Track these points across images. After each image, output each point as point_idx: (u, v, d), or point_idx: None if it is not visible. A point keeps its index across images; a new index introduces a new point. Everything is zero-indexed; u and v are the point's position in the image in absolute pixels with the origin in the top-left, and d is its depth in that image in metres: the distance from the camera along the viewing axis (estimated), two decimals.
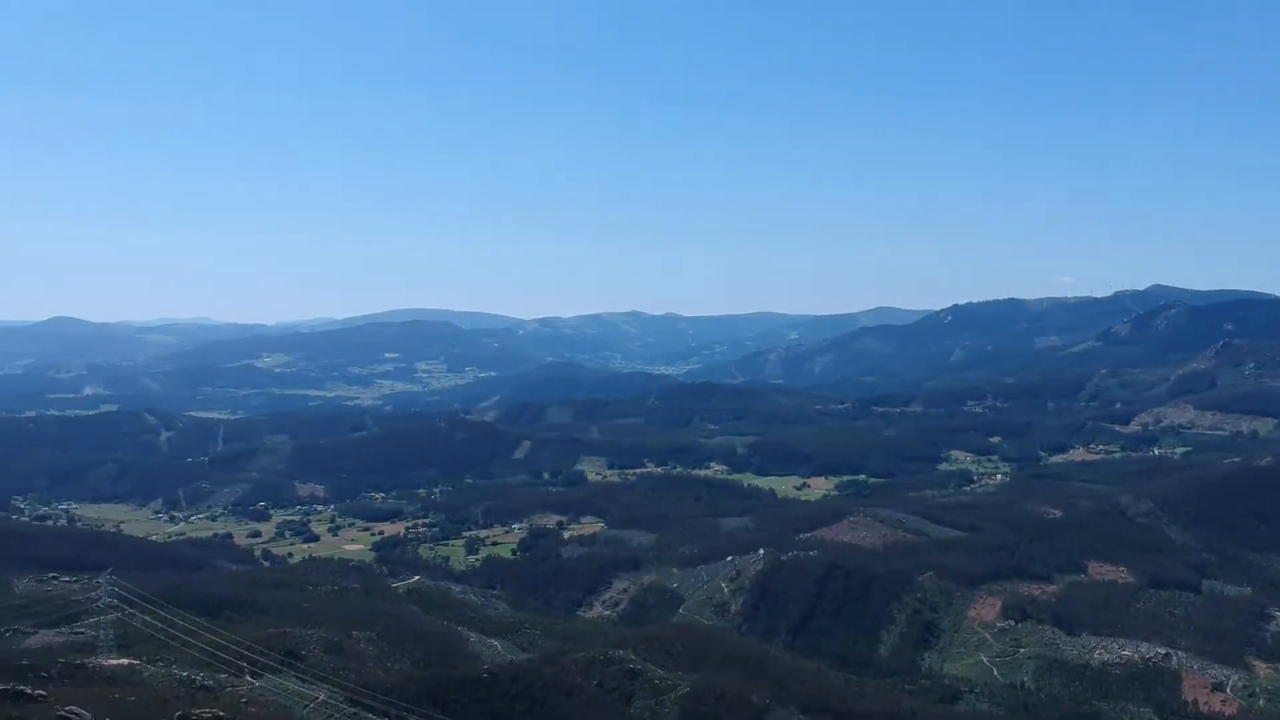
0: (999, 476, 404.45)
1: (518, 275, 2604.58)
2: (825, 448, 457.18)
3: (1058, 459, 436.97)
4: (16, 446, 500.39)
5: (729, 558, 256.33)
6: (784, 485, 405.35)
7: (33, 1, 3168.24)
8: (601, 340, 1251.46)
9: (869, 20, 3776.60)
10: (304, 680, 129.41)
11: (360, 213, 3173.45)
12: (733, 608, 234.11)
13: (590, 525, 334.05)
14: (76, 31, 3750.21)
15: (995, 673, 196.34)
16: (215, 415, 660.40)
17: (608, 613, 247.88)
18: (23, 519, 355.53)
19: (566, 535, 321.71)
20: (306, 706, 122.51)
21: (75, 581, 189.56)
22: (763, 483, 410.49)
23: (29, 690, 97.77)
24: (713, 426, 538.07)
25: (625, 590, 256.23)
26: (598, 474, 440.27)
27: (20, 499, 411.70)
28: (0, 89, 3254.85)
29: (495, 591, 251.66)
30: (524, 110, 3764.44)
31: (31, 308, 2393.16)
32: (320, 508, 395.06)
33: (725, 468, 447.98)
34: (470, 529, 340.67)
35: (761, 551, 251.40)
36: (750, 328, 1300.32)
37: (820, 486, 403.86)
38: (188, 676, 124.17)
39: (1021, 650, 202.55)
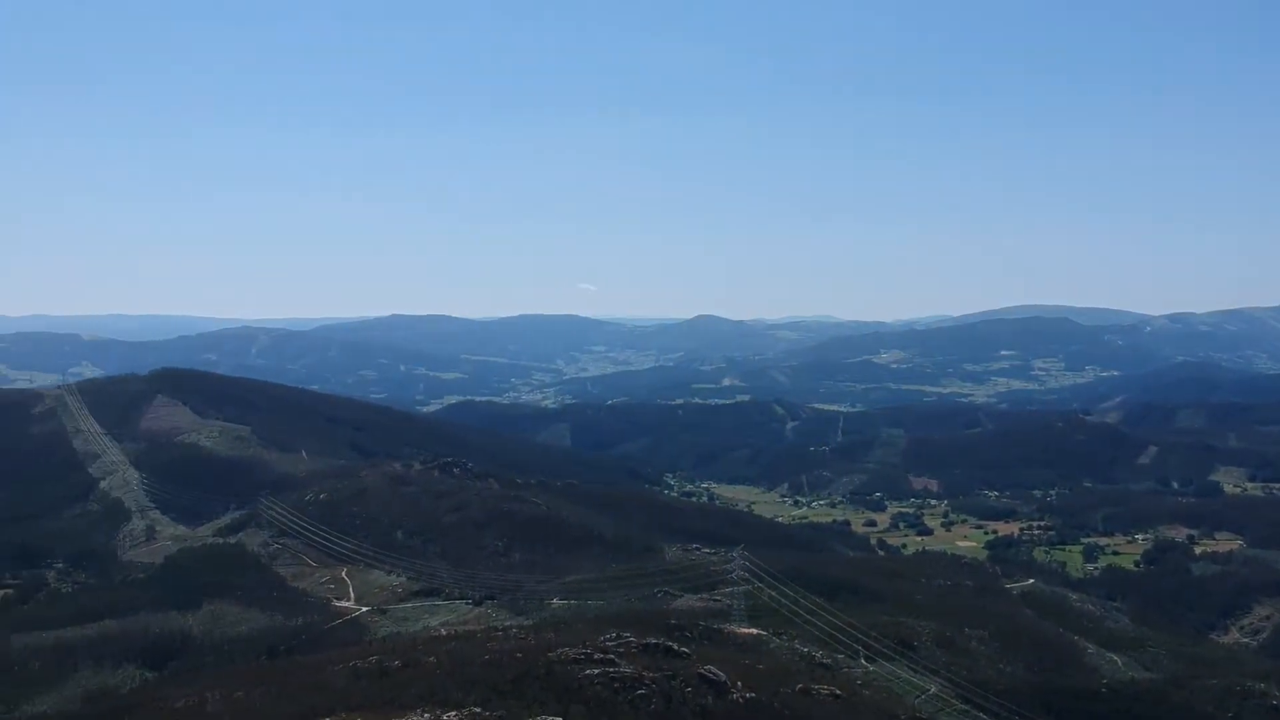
0: None
1: (1144, 268, 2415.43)
2: None
3: None
4: (669, 430, 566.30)
5: None
6: None
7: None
8: (1243, 338, 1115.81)
9: None
10: (916, 670, 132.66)
11: (969, 208, 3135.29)
12: None
13: (1226, 541, 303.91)
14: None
15: None
16: (835, 408, 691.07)
17: (1246, 640, 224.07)
18: (672, 494, 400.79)
19: (1197, 550, 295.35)
20: (918, 697, 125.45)
21: (713, 554, 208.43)
22: None
23: (676, 647, 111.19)
24: None
25: (1268, 617, 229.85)
26: (1236, 486, 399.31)
27: (671, 476, 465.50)
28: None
29: (1115, 603, 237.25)
30: (1109, 95, 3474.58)
31: (682, 307, 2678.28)
32: (934, 502, 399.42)
33: None
34: (1088, 535, 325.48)
35: None
36: None
37: None
38: (808, 653, 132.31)
39: None
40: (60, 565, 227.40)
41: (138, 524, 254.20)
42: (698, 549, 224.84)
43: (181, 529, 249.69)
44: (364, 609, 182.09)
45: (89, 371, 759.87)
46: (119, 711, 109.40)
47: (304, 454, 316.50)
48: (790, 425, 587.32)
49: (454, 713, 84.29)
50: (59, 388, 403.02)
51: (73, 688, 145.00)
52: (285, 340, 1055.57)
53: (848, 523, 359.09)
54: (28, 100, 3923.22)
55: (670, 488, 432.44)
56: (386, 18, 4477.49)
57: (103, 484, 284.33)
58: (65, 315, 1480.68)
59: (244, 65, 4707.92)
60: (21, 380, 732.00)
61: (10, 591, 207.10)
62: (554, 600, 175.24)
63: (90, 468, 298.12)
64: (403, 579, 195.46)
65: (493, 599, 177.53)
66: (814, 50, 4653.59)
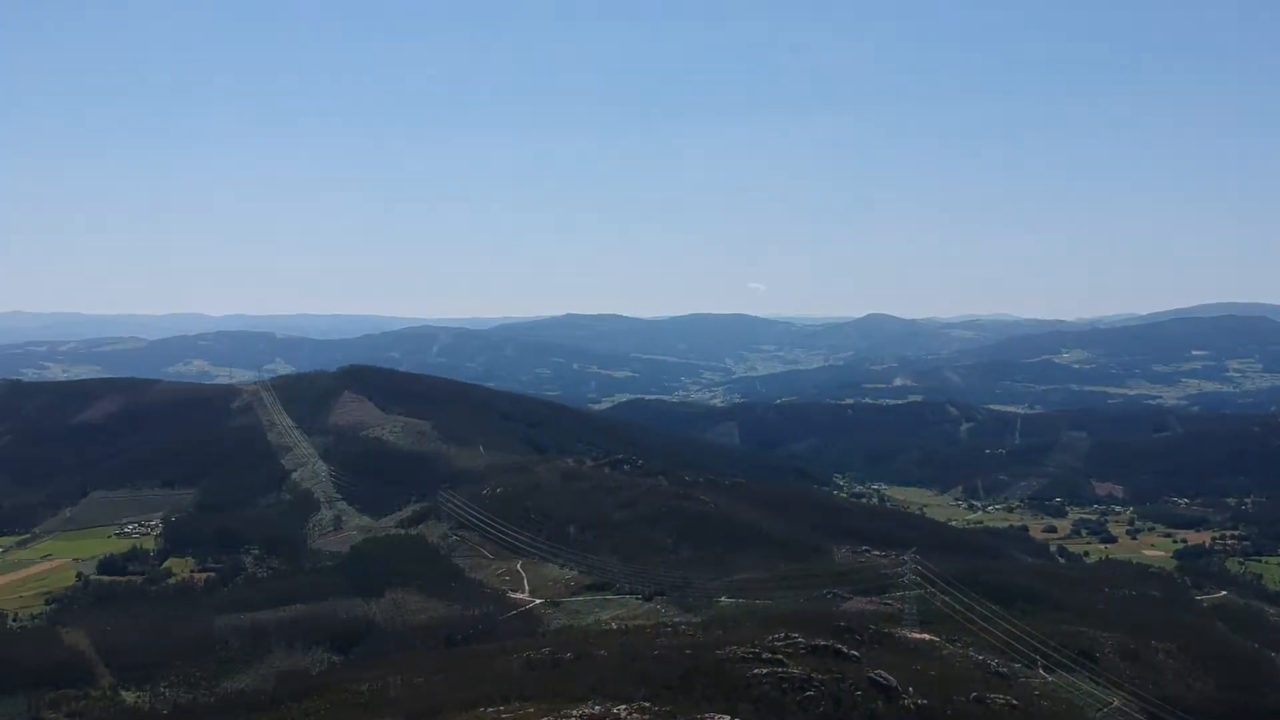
0: None
1: None
2: None
3: None
4: (838, 429, 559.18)
5: None
6: None
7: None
8: None
9: None
10: (1098, 683, 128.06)
11: (1158, 203, 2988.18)
12: None
13: None
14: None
15: None
16: (1013, 409, 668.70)
17: None
18: (841, 495, 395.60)
19: None
20: (1100, 710, 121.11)
21: (884, 556, 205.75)
22: None
23: (845, 650, 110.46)
24: None
25: None
26: None
27: (840, 477, 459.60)
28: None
29: None
30: None
31: (852, 306, 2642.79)
32: (1118, 508, 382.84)
33: None
34: None
35: None
36: None
37: None
38: (983, 660, 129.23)
39: None
40: (256, 551, 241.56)
41: (326, 514, 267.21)
42: (867, 551, 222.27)
43: (366, 519, 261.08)
44: (537, 601, 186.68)
45: (282, 368, 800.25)
46: (309, 692, 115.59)
47: (481, 449, 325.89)
48: (964, 426, 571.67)
49: (623, 706, 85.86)
50: (255, 383, 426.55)
51: (267, 668, 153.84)
52: (464, 339, 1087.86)
53: (1025, 528, 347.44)
54: (224, 115, 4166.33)
55: (839, 488, 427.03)
56: (551, 23, 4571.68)
57: (294, 475, 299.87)
58: (260, 315, 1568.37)
59: (423, 78, 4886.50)
60: (222, 376, 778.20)
61: (213, 574, 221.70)
62: (722, 598, 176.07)
63: (282, 459, 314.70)
64: (575, 573, 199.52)
65: (662, 595, 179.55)
66: (990, 47, 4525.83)
